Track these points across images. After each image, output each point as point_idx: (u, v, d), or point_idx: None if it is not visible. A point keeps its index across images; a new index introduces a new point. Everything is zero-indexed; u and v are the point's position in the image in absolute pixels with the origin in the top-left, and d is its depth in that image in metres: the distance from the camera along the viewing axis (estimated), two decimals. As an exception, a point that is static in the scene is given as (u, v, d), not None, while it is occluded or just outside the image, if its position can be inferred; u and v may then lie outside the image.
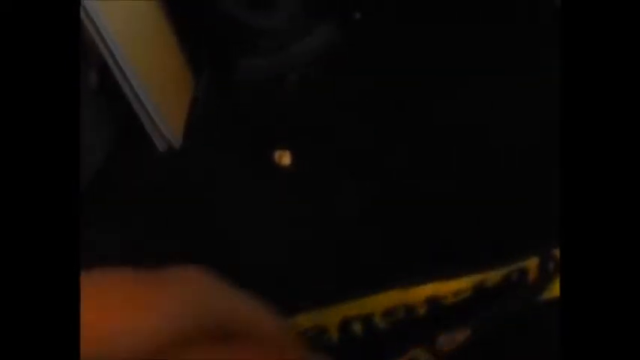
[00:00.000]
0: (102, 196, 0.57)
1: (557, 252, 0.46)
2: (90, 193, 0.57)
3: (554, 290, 0.46)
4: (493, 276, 0.46)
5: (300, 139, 0.56)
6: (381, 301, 0.45)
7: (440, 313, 0.45)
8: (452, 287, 0.46)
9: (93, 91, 0.59)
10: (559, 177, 0.29)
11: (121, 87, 0.57)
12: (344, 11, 0.61)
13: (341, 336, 0.45)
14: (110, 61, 0.56)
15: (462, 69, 0.60)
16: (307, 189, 0.54)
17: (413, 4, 0.64)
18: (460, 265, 0.46)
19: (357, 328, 0.45)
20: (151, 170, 0.59)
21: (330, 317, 0.45)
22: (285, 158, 0.55)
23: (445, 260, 0.48)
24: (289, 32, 0.59)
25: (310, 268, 0.51)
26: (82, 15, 0.53)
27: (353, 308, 0.45)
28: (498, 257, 0.46)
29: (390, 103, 0.59)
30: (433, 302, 0.45)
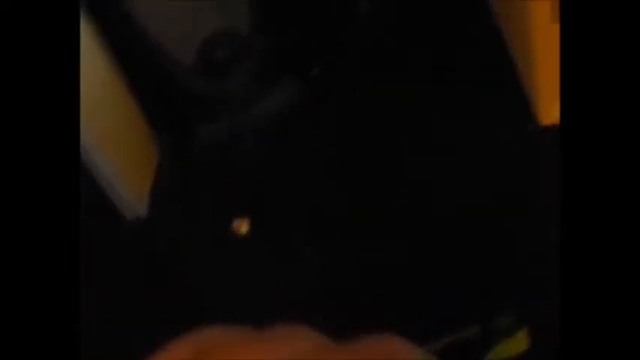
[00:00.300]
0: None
1: (500, 320, 0.47)
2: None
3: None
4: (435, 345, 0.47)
5: (257, 205, 0.57)
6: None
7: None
8: None
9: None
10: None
11: (84, 156, 0.58)
12: (302, 68, 0.62)
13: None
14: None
15: (428, 120, 0.61)
16: (265, 257, 0.55)
17: (373, 54, 0.64)
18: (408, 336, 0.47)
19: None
20: (118, 239, 0.60)
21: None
22: (243, 227, 0.56)
23: (396, 331, 0.49)
24: (247, 96, 0.59)
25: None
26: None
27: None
28: (441, 327, 0.47)
29: (352, 163, 0.59)
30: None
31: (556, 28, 0.53)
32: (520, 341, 0.46)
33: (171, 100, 0.60)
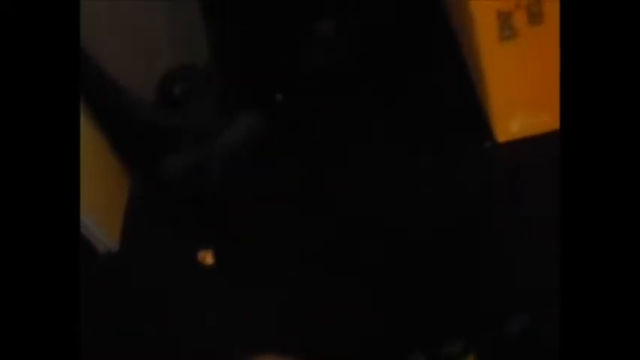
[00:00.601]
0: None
1: (449, 347, 0.47)
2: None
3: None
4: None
5: (221, 236, 0.58)
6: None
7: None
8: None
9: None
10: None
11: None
12: (264, 95, 0.63)
13: None
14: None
15: (390, 141, 0.62)
16: (228, 287, 0.56)
17: (335, 77, 0.65)
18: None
19: None
20: (90, 273, 0.61)
21: None
22: (208, 258, 0.57)
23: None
24: (210, 127, 0.60)
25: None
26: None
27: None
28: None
29: (319, 190, 0.60)
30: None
31: (504, 47, 0.53)
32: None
33: (137, 135, 0.61)
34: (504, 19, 0.52)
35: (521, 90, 0.56)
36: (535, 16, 0.53)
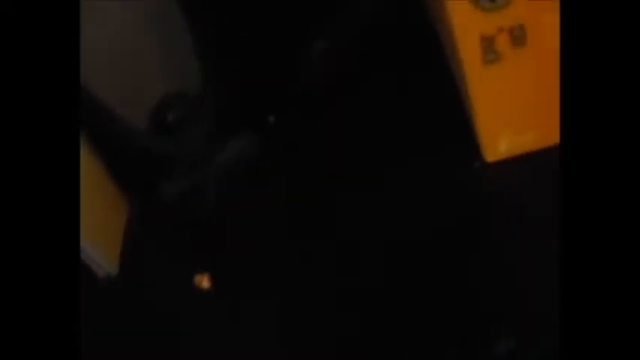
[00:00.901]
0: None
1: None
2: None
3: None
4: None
5: (218, 260, 0.59)
6: None
7: None
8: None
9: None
10: None
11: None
12: (257, 118, 0.64)
13: None
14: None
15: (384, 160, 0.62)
16: (225, 311, 0.57)
17: (328, 95, 0.66)
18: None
19: None
20: (90, 297, 0.62)
21: None
22: (204, 282, 0.58)
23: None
24: (204, 151, 0.61)
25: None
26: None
27: None
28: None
29: (309, 210, 0.61)
30: None
31: (489, 70, 0.54)
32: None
33: (133, 161, 0.62)
34: (487, 44, 0.53)
35: (507, 111, 0.56)
36: (518, 39, 0.54)
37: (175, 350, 0.57)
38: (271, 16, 0.66)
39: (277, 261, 0.59)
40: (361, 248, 0.58)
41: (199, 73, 0.60)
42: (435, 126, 0.61)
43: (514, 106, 0.56)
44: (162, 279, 0.61)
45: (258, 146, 0.63)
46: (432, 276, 0.55)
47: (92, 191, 0.66)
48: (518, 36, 0.54)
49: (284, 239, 0.60)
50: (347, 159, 0.63)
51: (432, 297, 0.54)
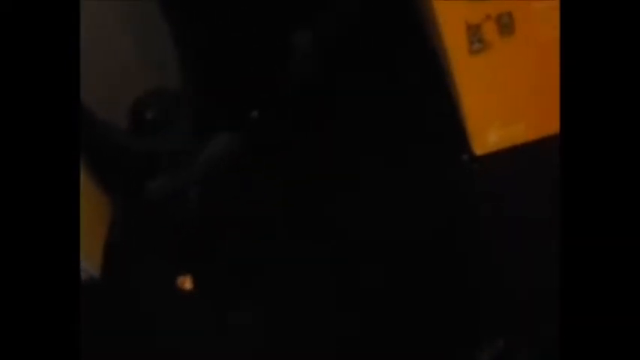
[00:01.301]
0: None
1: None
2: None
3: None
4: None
5: (201, 260, 0.58)
6: None
7: None
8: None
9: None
10: None
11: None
12: (239, 114, 0.62)
13: None
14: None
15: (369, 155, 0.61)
16: (207, 311, 0.55)
17: (311, 90, 0.64)
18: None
19: None
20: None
21: None
22: (187, 283, 0.56)
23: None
24: (186, 149, 0.60)
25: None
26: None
27: None
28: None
29: (293, 208, 0.59)
30: None
31: (475, 60, 0.52)
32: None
33: (114, 161, 0.60)
34: (474, 32, 0.51)
35: (496, 102, 0.55)
36: (506, 27, 0.52)
37: (158, 351, 0.56)
38: (252, 13, 0.64)
39: (261, 260, 0.58)
40: (347, 246, 0.57)
41: (178, 71, 0.59)
42: (423, 119, 0.59)
43: (503, 97, 0.54)
44: (145, 280, 0.59)
45: (240, 142, 0.61)
46: (422, 272, 0.54)
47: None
48: (506, 24, 0.52)
49: (268, 238, 0.59)
50: (333, 155, 0.61)
51: (425, 294, 0.53)
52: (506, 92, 0.54)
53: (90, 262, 0.62)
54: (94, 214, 0.65)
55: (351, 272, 0.55)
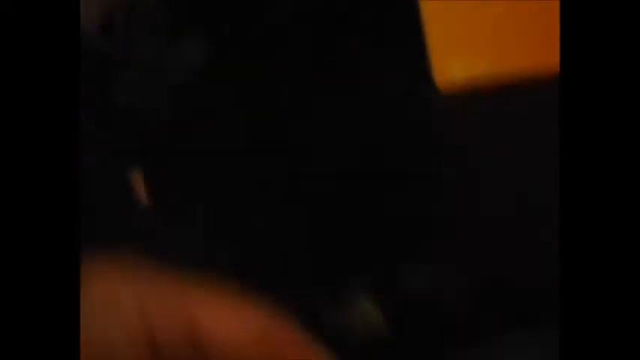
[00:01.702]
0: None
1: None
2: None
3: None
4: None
5: (163, 169, 0.58)
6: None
7: None
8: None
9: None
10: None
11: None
12: (211, 24, 0.61)
13: None
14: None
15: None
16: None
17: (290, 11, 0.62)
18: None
19: None
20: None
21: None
22: (141, 191, 0.56)
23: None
24: (154, 54, 0.59)
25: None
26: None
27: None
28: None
29: (263, 130, 0.59)
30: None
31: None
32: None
33: (85, 68, 0.60)
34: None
35: (461, 36, 0.54)
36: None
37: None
38: None
39: (226, 171, 0.58)
40: (311, 167, 0.57)
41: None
42: (389, 50, 0.58)
43: (467, 32, 0.53)
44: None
45: (209, 53, 0.61)
46: (373, 199, 0.54)
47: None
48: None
49: (234, 148, 0.59)
50: (299, 76, 0.60)
51: (368, 220, 0.53)
52: (472, 27, 0.53)
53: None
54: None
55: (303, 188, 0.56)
